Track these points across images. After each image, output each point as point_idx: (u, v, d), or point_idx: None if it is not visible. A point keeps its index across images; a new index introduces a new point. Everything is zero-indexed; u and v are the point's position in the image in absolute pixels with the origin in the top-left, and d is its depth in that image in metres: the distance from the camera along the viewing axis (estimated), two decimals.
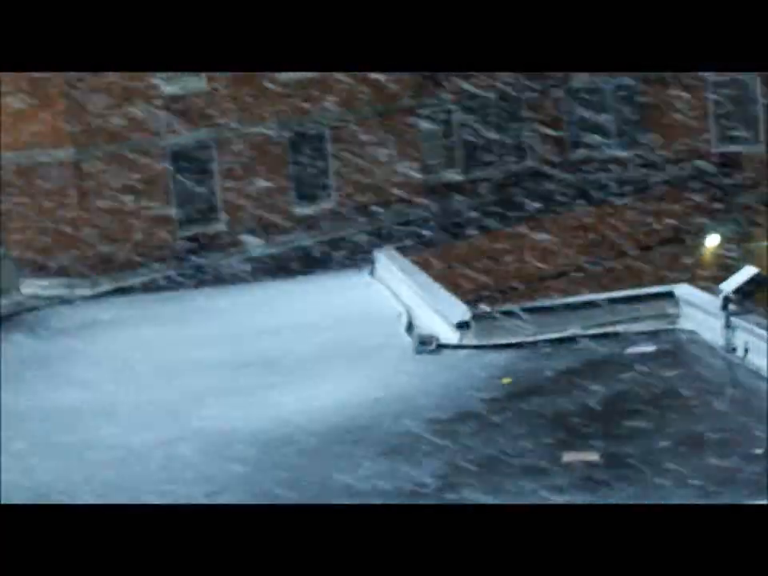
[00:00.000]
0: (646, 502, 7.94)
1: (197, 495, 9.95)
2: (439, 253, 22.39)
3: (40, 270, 22.44)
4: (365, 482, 9.92)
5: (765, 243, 22.94)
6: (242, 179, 24.43)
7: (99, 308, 20.38)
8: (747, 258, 19.66)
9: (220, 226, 24.83)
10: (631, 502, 8.02)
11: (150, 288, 21.92)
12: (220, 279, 22.32)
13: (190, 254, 23.98)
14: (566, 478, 9.51)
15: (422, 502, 8.45)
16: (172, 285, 21.84)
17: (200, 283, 22.06)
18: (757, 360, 11.54)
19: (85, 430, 12.45)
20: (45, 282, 22.17)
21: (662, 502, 7.92)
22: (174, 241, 24.01)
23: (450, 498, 9.09)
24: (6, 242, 21.07)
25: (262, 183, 24.88)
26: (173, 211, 24.01)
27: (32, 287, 21.40)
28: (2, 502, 9.49)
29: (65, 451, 11.82)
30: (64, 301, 21.39)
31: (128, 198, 23.07)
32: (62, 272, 22.57)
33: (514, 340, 14.02)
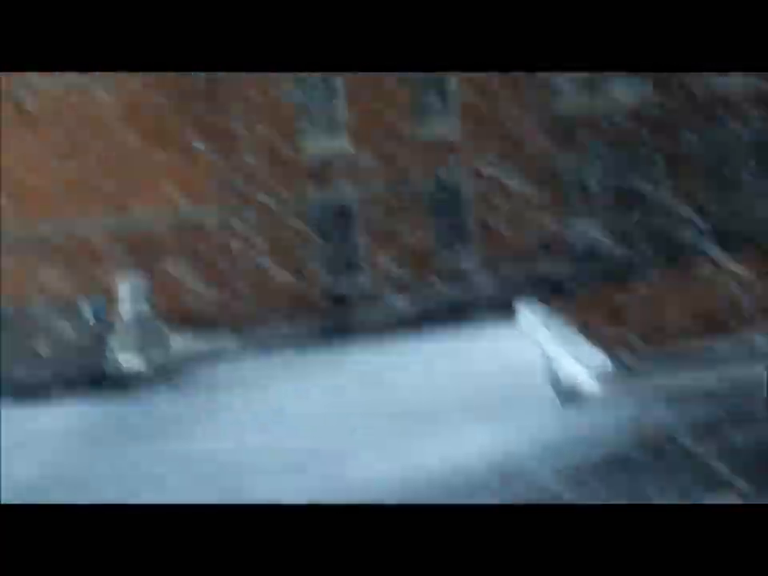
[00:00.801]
0: (646, 502, 7.94)
1: None
2: (584, 302, 21.73)
3: (188, 326, 23.34)
4: None
5: None
6: (385, 235, 25.44)
7: (245, 361, 21.25)
8: None
9: (364, 282, 25.76)
10: (631, 502, 8.02)
11: (296, 342, 22.81)
12: (364, 333, 23.35)
13: (335, 310, 25.08)
14: None
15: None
16: (318, 339, 22.88)
17: (345, 337, 23.04)
18: None
19: (225, 485, 12.63)
20: (194, 337, 23.12)
21: (662, 502, 7.92)
22: (319, 297, 25.14)
23: None
24: (155, 299, 22.03)
25: (406, 238, 25.98)
26: (317, 268, 25.07)
27: (182, 342, 22.33)
28: (2, 502, 9.52)
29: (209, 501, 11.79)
30: (212, 355, 22.16)
31: (273, 258, 24.37)
32: (210, 327, 23.58)
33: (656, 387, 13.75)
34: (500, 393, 15.54)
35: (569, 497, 10.39)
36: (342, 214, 25.04)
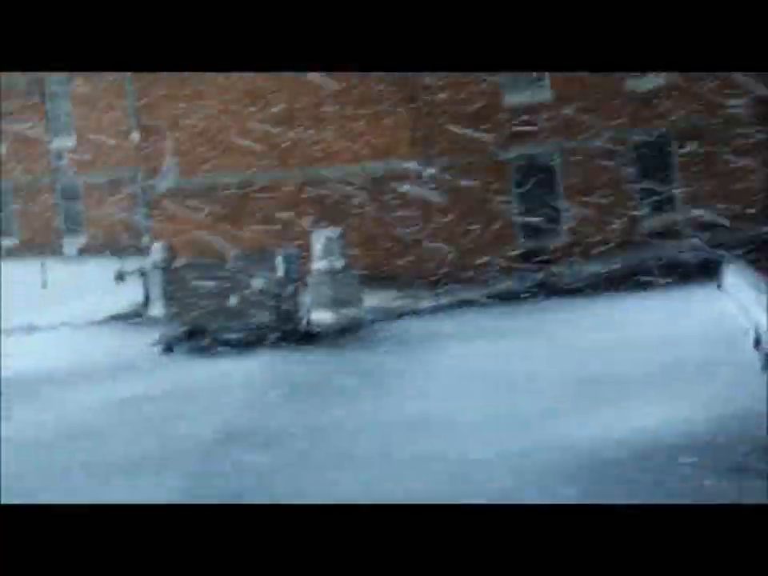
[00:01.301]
0: (646, 502, 7.95)
1: None
2: None
3: (382, 282, 22.41)
4: (709, 500, 9.42)
5: None
6: (585, 192, 23.99)
7: (439, 320, 20.52)
8: None
9: (561, 239, 24.55)
10: (631, 502, 8.03)
11: (490, 301, 21.83)
12: (560, 293, 22.25)
13: (531, 268, 23.71)
14: None
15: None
16: (512, 298, 21.94)
17: (540, 297, 22.10)
18: None
19: (425, 442, 12.47)
20: (388, 294, 22.24)
21: (662, 502, 7.92)
22: (514, 254, 23.74)
23: None
24: (348, 256, 21.04)
25: (605, 196, 24.51)
26: (514, 224, 23.76)
27: (375, 298, 21.55)
28: (2, 502, 9.51)
29: (406, 463, 11.80)
30: (407, 312, 21.50)
31: (469, 215, 22.77)
32: (404, 284, 22.51)
33: None
34: (700, 357, 14.86)
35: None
36: (543, 169, 23.50)
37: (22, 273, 32.34)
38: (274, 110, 23.46)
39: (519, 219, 23.83)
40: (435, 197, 22.43)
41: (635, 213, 24.94)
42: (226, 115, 24.82)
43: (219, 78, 24.06)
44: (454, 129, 22.25)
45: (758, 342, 14.54)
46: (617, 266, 24.13)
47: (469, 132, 22.54)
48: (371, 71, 22.26)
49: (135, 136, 27.01)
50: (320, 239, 20.91)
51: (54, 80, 32.59)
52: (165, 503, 9.05)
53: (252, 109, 23.98)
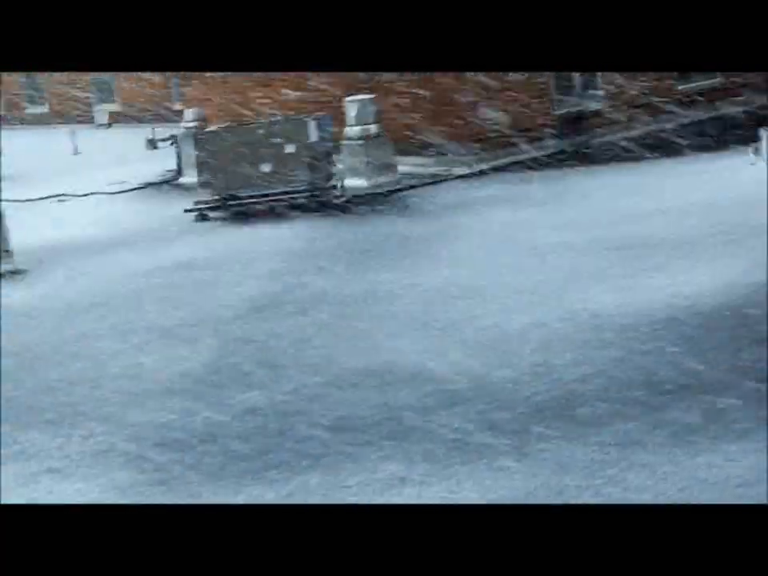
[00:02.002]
0: (646, 503, 7.96)
1: (572, 375, 10.00)
2: None
3: (416, 149, 22.03)
4: (741, 372, 9.77)
5: None
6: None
7: (475, 187, 20.49)
8: None
9: (598, 103, 24.30)
10: (631, 503, 8.04)
11: (526, 167, 21.69)
12: (596, 159, 22.13)
13: (566, 133, 23.40)
14: None
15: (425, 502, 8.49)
16: (548, 164, 21.78)
17: (576, 163, 21.86)
18: None
19: (458, 310, 12.69)
20: (421, 161, 21.83)
21: (662, 502, 7.93)
22: (550, 119, 23.45)
23: None
24: (382, 121, 20.82)
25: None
26: (550, 88, 23.52)
27: (408, 166, 21.25)
28: (2, 502, 9.53)
29: (439, 330, 12.04)
30: (441, 179, 21.20)
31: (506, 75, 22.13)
32: (437, 151, 22.09)
33: None
34: (736, 224, 14.94)
35: None
36: None
37: (53, 141, 32.91)
38: None
39: (557, 84, 23.56)
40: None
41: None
42: None
43: None
44: None
45: None
46: (654, 130, 23.71)
47: None
48: (371, 71, 22.19)
49: None
50: (354, 105, 20.44)
51: None
52: (164, 503, 9.07)
53: None
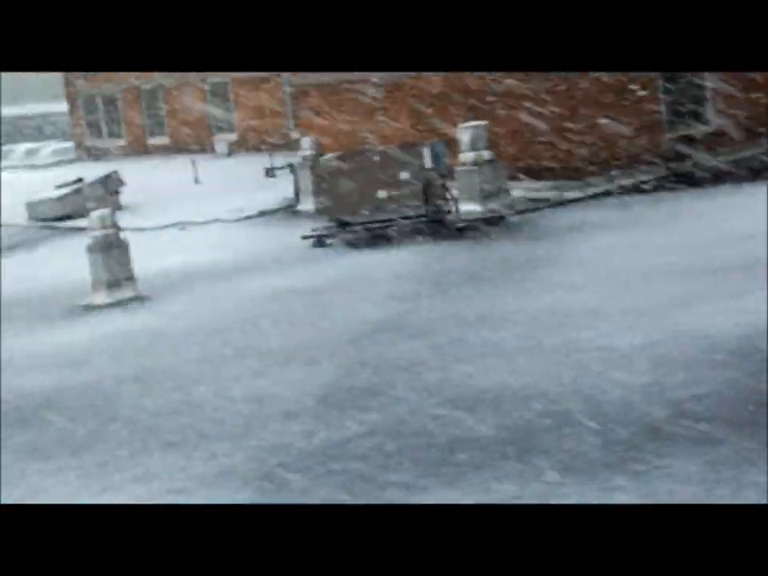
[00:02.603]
0: (646, 502, 7.95)
1: (685, 394, 10.18)
2: None
3: (530, 174, 22.61)
4: None
5: None
6: (736, 78, 24.15)
7: (587, 211, 20.97)
8: None
9: (708, 127, 24.78)
10: (631, 502, 8.03)
11: (638, 190, 22.19)
12: (705, 181, 22.61)
13: (678, 156, 23.95)
14: None
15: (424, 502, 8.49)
16: (660, 187, 22.46)
17: (686, 185, 22.39)
18: None
19: (569, 332, 12.96)
20: (534, 185, 22.28)
21: (662, 502, 7.93)
22: (662, 142, 24.09)
23: None
24: (496, 147, 21.48)
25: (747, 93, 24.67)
26: (662, 112, 24.20)
27: (521, 190, 21.72)
28: (2, 502, 9.52)
29: (551, 352, 12.26)
30: (553, 204, 21.58)
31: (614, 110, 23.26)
32: (551, 175, 22.61)
33: None
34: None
35: None
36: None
37: (174, 170, 33.93)
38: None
39: (666, 110, 24.24)
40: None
41: None
42: None
43: None
44: None
45: None
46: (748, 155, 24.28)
47: None
48: (371, 71, 22.23)
49: None
50: (467, 132, 20.93)
51: None
52: (164, 504, 9.07)
53: None
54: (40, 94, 57.39)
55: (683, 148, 24.10)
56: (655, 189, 22.52)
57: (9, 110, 56.12)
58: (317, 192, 21.38)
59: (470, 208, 20.36)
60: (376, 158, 20.41)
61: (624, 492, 8.23)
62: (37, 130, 55.67)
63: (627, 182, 22.75)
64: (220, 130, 37.77)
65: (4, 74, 46.21)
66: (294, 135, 31.23)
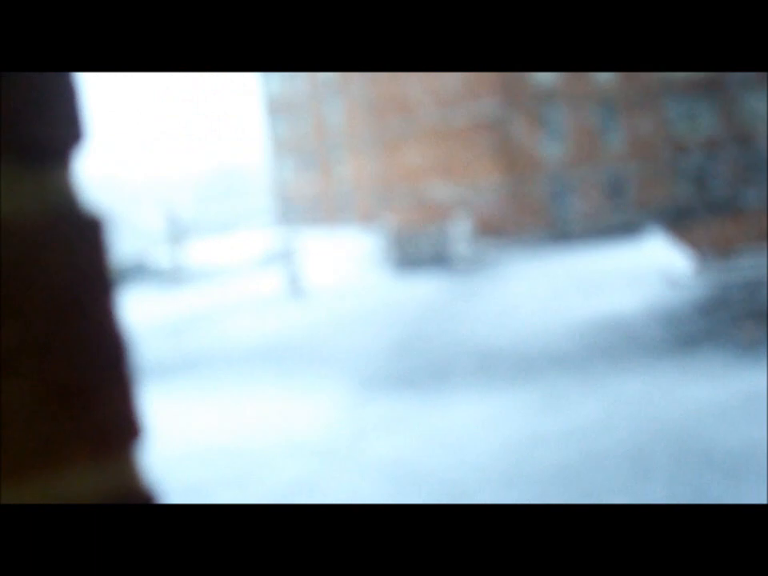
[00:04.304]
0: (646, 503, 7.95)
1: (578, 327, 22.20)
2: (690, 227, 32.30)
3: (490, 236, 37.81)
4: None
5: None
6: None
7: (520, 259, 37.30)
8: None
9: (575, 211, 39.45)
10: (631, 503, 8.03)
11: (537, 247, 38.47)
12: (571, 242, 38.83)
13: (557, 229, 40.74)
14: None
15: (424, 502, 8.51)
16: (549, 245, 38.43)
17: (562, 245, 39.46)
18: None
19: (536, 319, 25.57)
20: (491, 242, 38.79)
21: (662, 502, 7.92)
22: (547, 219, 40.68)
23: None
24: (476, 225, 39.99)
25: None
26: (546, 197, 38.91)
27: (485, 245, 39.00)
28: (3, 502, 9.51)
29: (526, 319, 25.41)
30: (503, 252, 36.66)
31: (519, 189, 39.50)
32: (502, 237, 38.04)
33: None
34: (636, 276, 27.86)
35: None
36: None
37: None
38: None
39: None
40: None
41: None
42: None
43: None
44: None
45: (666, 273, 28.39)
46: (604, 227, 42.25)
47: None
48: (371, 71, 22.32)
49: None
50: (458, 223, 36.66)
51: None
52: (164, 503, 9.07)
53: None
54: None
55: (563, 224, 39.86)
56: (547, 245, 38.39)
57: None
58: (396, 250, 40.32)
59: (458, 255, 36.76)
60: (425, 234, 38.01)
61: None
62: None
63: (536, 241, 39.59)
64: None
65: None
66: (385, 215, 51.21)
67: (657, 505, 7.76)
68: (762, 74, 36.69)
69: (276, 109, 61.29)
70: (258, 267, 45.45)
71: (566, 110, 40.44)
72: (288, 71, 25.26)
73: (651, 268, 32.60)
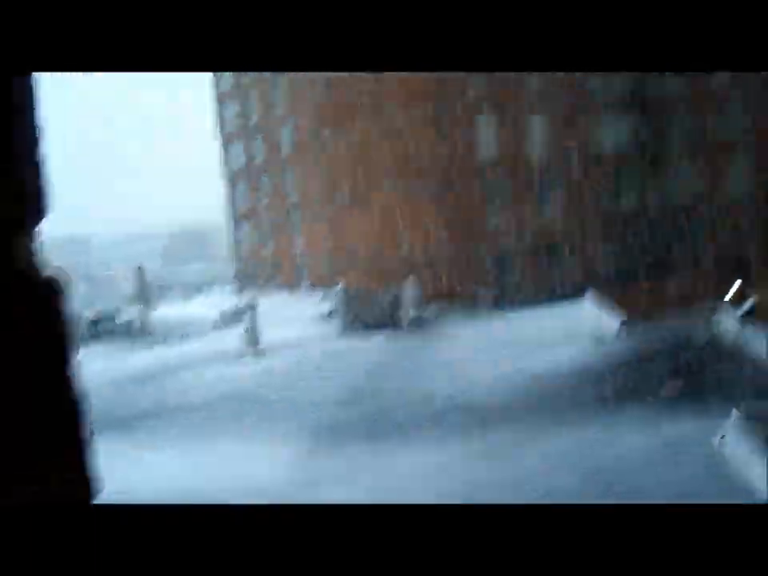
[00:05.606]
0: (646, 502, 7.98)
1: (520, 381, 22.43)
2: (620, 290, 39.88)
3: (437, 300, 39.56)
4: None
5: None
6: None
7: (465, 319, 42.02)
8: None
9: (513, 278, 42.90)
10: (631, 502, 8.06)
11: (482, 309, 43.30)
12: (513, 304, 42.70)
13: (494, 294, 42.93)
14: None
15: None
16: (490, 308, 43.83)
17: (501, 308, 43.97)
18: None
19: (464, 372, 28.10)
20: (438, 306, 40.62)
21: (662, 502, 7.94)
22: (489, 289, 43.59)
23: None
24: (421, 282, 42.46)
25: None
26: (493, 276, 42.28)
27: (434, 308, 38.94)
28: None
29: (458, 375, 29.48)
30: (447, 315, 39.57)
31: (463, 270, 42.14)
32: (446, 301, 41.21)
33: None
34: (569, 335, 29.16)
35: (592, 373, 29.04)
36: None
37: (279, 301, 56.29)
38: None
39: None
40: None
41: None
42: None
43: None
44: None
45: (596, 330, 32.66)
46: (540, 289, 46.78)
47: None
48: (371, 71, 22.41)
49: None
50: (408, 285, 38.48)
51: None
52: (165, 503, 9.10)
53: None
54: None
55: (499, 290, 42.77)
56: (488, 307, 39.87)
57: None
58: (342, 308, 41.84)
59: (407, 317, 38.39)
60: (375, 294, 38.33)
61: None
62: None
63: (481, 303, 39.61)
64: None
65: None
66: (339, 280, 52.51)
67: (657, 504, 7.76)
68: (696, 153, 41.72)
69: (237, 175, 65.59)
70: (219, 324, 50.93)
71: (508, 184, 44.91)
72: (288, 71, 25.43)
73: (584, 328, 36.30)
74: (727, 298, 43.67)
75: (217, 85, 56.17)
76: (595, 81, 38.63)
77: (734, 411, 20.15)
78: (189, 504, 9.58)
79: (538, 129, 40.01)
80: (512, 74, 36.37)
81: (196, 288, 76.32)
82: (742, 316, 29.46)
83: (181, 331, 47.66)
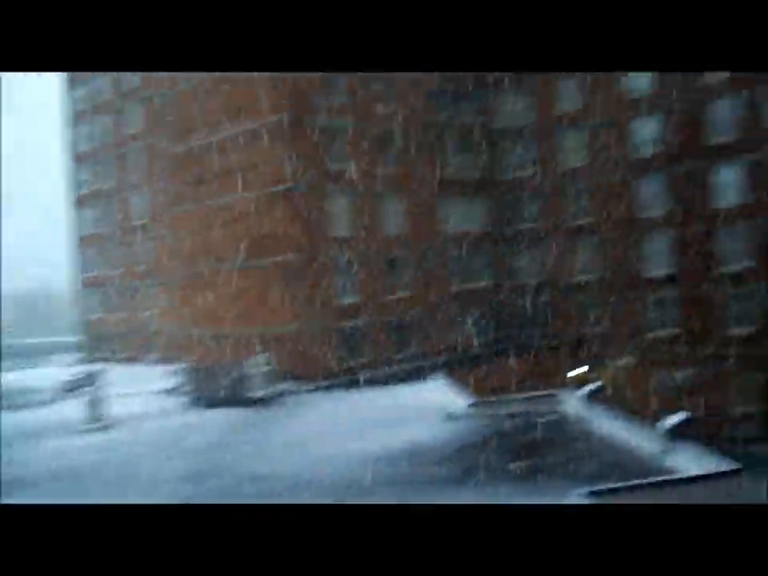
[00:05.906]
0: (646, 502, 7.95)
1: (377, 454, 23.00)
2: (470, 372, 40.71)
3: (288, 378, 40.92)
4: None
5: None
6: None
7: (312, 395, 40.45)
8: None
9: (363, 359, 45.09)
10: (630, 502, 8.03)
11: (332, 388, 41.73)
12: (361, 385, 41.87)
13: (348, 374, 43.82)
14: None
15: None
16: (342, 387, 42.10)
17: (350, 387, 42.40)
18: None
19: (315, 446, 28.39)
20: (289, 382, 40.92)
21: (662, 502, 7.91)
22: (341, 369, 45.29)
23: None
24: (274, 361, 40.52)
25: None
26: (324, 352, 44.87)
27: (284, 384, 40.79)
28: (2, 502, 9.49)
29: (302, 452, 28.67)
30: (297, 391, 40.55)
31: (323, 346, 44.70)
32: (298, 378, 41.59)
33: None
34: (418, 413, 32.06)
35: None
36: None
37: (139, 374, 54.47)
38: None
39: None
40: None
41: None
42: None
43: None
44: None
45: (443, 409, 32.88)
46: (390, 372, 45.71)
47: None
48: (371, 71, 22.37)
49: None
50: (258, 359, 40.30)
51: None
52: (163, 503, 9.06)
53: None
54: None
55: (350, 370, 44.83)
56: (340, 387, 41.53)
57: None
58: (192, 382, 42.63)
59: (258, 393, 39.68)
60: (223, 369, 41.34)
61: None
62: None
63: (327, 383, 41.42)
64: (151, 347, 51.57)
65: None
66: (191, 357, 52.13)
67: (657, 504, 7.74)
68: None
69: (88, 244, 64.85)
70: (62, 395, 49.41)
71: (359, 268, 45.34)
72: (288, 71, 25.33)
73: (433, 406, 34.08)
74: (572, 376, 45.45)
75: (74, 145, 57.65)
76: (449, 170, 41.29)
77: (577, 490, 20.18)
78: (187, 504, 9.56)
79: (392, 210, 41.81)
80: (374, 155, 38.43)
81: (44, 355, 74.34)
82: (588, 396, 30.04)
83: (23, 400, 46.35)
